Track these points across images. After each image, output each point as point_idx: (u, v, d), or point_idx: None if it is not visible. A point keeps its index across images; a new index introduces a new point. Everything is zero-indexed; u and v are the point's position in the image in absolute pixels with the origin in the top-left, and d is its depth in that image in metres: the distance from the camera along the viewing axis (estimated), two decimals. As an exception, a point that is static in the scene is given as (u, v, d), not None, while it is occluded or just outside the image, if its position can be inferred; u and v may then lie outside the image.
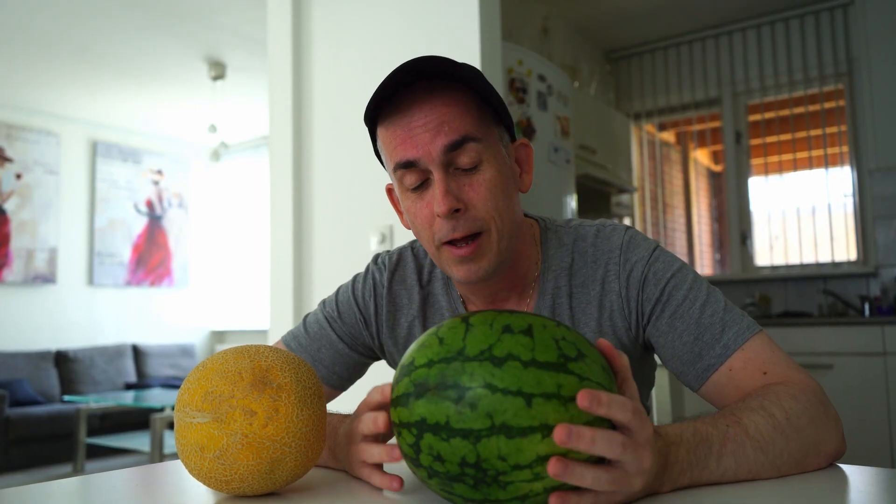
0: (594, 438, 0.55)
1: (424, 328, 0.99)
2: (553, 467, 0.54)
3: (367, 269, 1.04)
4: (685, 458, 0.65)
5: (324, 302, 1.06)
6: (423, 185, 0.83)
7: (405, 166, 0.82)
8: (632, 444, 0.58)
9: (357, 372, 1.06)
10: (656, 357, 1.07)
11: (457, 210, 0.81)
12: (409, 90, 0.81)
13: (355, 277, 1.05)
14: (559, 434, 0.54)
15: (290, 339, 1.06)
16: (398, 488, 0.68)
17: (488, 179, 0.83)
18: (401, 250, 1.04)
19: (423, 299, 1.00)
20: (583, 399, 0.55)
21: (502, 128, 0.88)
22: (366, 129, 0.88)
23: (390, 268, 1.02)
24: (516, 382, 0.55)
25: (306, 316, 1.07)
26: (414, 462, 0.61)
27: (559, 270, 0.93)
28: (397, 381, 0.63)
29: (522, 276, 0.93)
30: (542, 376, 0.56)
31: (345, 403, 1.14)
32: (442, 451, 0.57)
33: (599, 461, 0.58)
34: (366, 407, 0.73)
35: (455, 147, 0.81)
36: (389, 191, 0.95)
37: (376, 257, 1.05)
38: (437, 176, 0.81)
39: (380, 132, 0.86)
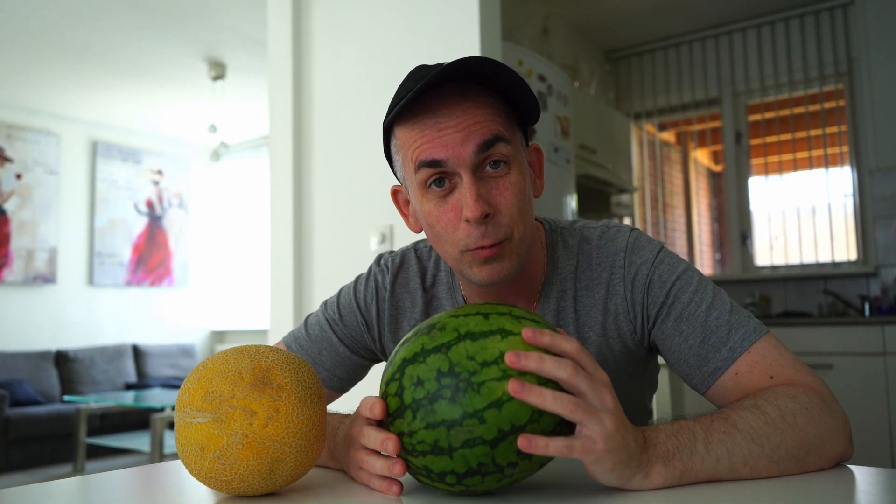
0: (542, 359, 0.60)
1: None
2: (511, 385, 0.58)
3: (370, 270, 1.03)
4: (666, 441, 0.66)
5: (325, 303, 1.05)
6: (446, 187, 0.81)
7: (431, 165, 0.79)
8: (586, 374, 0.61)
9: (357, 374, 1.06)
10: (659, 359, 1.07)
11: (487, 215, 0.79)
12: (435, 90, 0.79)
13: (357, 279, 1.04)
14: (509, 357, 0.60)
15: (290, 340, 1.05)
16: (398, 493, 0.68)
17: (514, 183, 0.81)
18: (404, 252, 1.03)
19: (427, 302, 0.99)
20: (527, 332, 0.62)
21: (521, 132, 0.87)
22: (366, 129, 0.88)
23: (393, 270, 1.00)
24: (474, 309, 0.67)
25: (308, 317, 1.06)
26: (399, 412, 0.64)
27: (564, 274, 0.92)
28: (389, 360, 0.70)
29: (530, 280, 0.92)
30: (495, 305, 0.68)
31: (345, 405, 1.13)
32: (420, 373, 0.64)
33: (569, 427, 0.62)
34: (363, 416, 0.71)
35: (487, 147, 0.78)
36: (394, 193, 0.93)
37: (379, 258, 1.04)
38: (466, 179, 0.79)
39: (399, 132, 0.83)
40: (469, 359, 0.62)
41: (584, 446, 0.60)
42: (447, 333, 0.64)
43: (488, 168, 0.80)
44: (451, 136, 0.78)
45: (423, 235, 0.93)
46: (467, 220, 0.79)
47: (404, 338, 0.69)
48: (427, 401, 0.62)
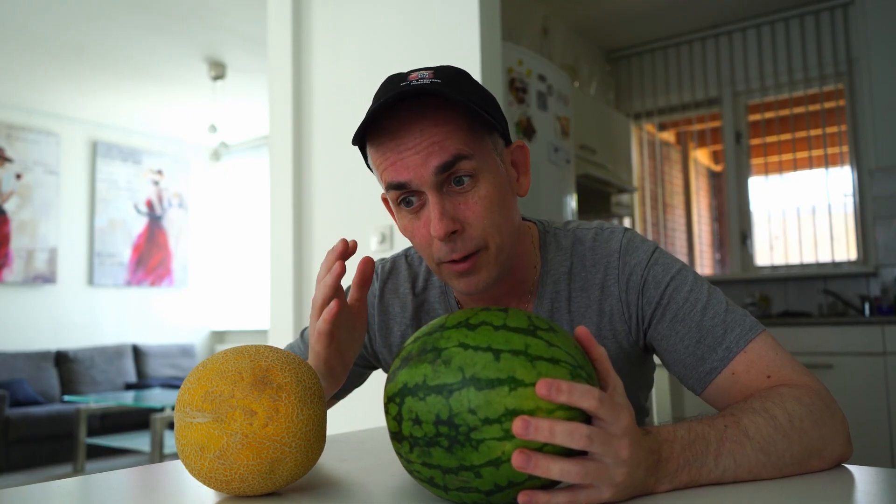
0: (553, 430, 0.55)
1: (421, 326, 0.98)
2: (516, 459, 0.54)
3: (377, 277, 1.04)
4: (680, 454, 0.64)
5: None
6: (416, 205, 0.82)
7: (397, 188, 0.81)
8: (603, 434, 0.57)
9: (351, 380, 1.06)
10: (655, 358, 1.07)
11: (454, 231, 0.79)
12: (394, 110, 0.79)
13: (347, 288, 1.05)
14: (517, 426, 0.54)
15: (287, 349, 1.06)
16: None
17: (483, 196, 0.80)
18: (394, 259, 1.04)
19: (417, 307, 0.99)
20: (541, 387, 0.55)
21: (496, 135, 0.85)
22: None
23: (382, 277, 1.02)
24: (486, 341, 0.59)
25: (304, 329, 1.08)
26: (397, 438, 0.62)
27: (558, 275, 0.92)
28: (392, 370, 0.65)
29: (521, 281, 0.92)
30: (510, 336, 0.59)
31: (345, 410, 1.13)
32: (419, 411, 0.59)
33: (580, 453, 0.58)
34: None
35: (446, 168, 0.78)
36: (385, 199, 0.93)
37: (375, 273, 1.05)
38: (431, 199, 0.79)
39: (369, 151, 0.84)
40: (470, 412, 0.56)
41: (590, 496, 0.58)
42: (451, 371, 0.58)
43: (454, 185, 0.80)
44: (412, 157, 0.78)
45: None
46: (435, 238, 0.80)
47: (407, 346, 0.65)
48: (424, 442, 0.59)
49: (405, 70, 0.93)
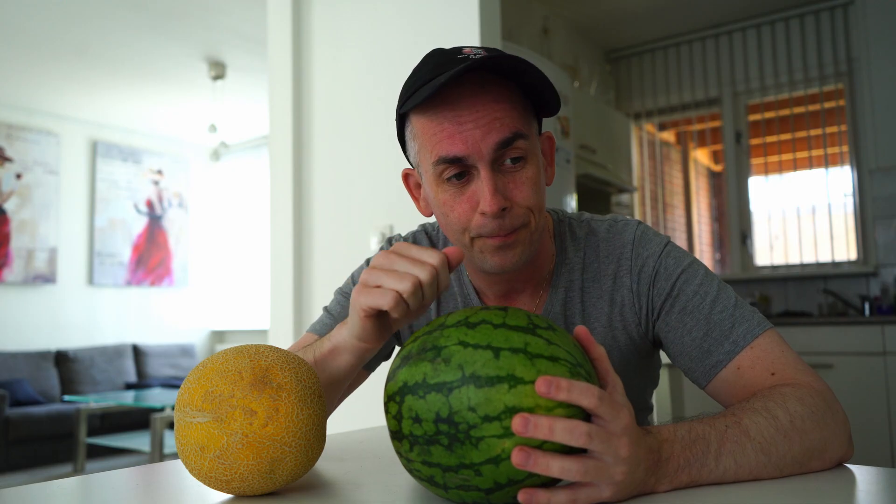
0: (553, 427, 0.55)
1: (438, 312, 0.98)
2: (516, 457, 0.54)
3: (382, 249, 1.03)
4: (680, 454, 0.64)
5: (339, 288, 1.05)
6: (463, 178, 0.81)
7: (451, 162, 0.80)
8: (602, 432, 0.57)
9: (381, 350, 1.03)
10: (662, 356, 1.07)
11: (503, 209, 0.80)
12: (455, 81, 0.78)
13: (369, 260, 1.04)
14: (516, 423, 0.54)
15: (316, 326, 1.03)
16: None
17: (531, 176, 0.82)
18: (414, 233, 1.04)
19: None
20: (541, 385, 0.55)
21: (537, 121, 0.87)
22: (365, 129, 0.87)
23: None
24: (486, 339, 0.59)
25: (325, 306, 1.06)
26: (397, 436, 0.62)
27: (572, 265, 0.93)
28: (392, 368, 0.65)
29: (539, 269, 0.93)
30: (510, 335, 0.59)
31: (345, 410, 1.13)
32: (419, 409, 0.59)
33: (580, 451, 0.58)
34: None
35: (506, 144, 0.79)
36: (406, 176, 0.94)
37: (389, 240, 1.05)
38: (485, 174, 0.79)
39: (417, 120, 0.82)
40: (470, 410, 0.57)
41: (590, 495, 0.58)
42: (451, 370, 0.58)
43: (507, 162, 0.81)
44: (472, 131, 0.78)
45: (430, 219, 0.94)
46: (483, 213, 0.80)
47: (407, 345, 0.65)
48: (424, 441, 0.59)
49: (405, 69, 0.93)
